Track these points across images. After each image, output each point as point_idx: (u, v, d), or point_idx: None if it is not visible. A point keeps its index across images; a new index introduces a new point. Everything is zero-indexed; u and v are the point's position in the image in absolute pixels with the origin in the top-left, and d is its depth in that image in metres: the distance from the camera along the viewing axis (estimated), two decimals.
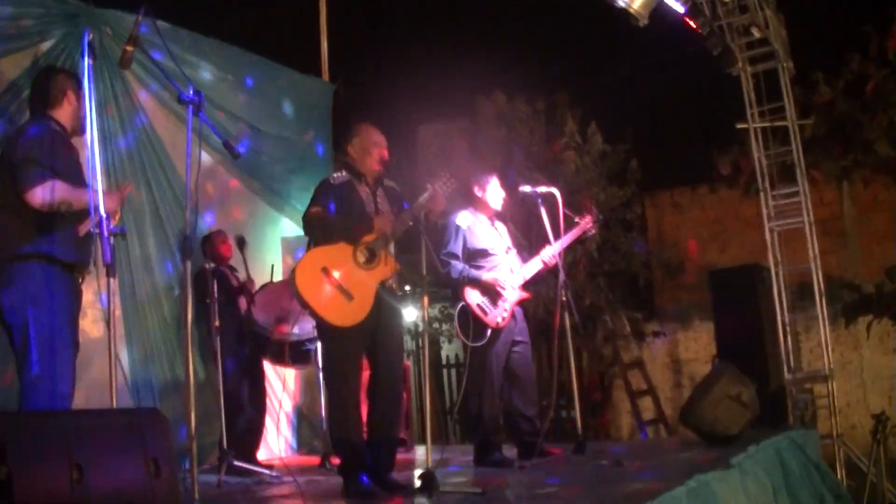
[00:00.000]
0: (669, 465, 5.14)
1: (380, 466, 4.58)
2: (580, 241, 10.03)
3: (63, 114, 4.40)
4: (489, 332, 5.66)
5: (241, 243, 6.46)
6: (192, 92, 3.41)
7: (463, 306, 5.70)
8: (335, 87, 8.59)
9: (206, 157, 7.13)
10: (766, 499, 4.78)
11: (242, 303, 6.49)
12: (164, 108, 6.83)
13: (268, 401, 7.27)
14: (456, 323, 5.71)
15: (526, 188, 6.13)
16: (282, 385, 7.39)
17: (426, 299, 4.15)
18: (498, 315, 5.72)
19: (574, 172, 10.26)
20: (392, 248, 4.63)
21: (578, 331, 5.91)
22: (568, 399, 9.35)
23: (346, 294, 4.40)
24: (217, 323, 5.94)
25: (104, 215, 3.16)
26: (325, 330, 4.67)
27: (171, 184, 6.85)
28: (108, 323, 3.14)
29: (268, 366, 6.79)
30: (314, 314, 4.44)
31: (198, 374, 6.74)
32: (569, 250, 9.64)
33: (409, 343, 13.46)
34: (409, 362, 8.70)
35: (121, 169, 6.48)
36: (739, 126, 7.47)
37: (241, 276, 6.55)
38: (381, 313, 4.58)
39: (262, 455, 7.12)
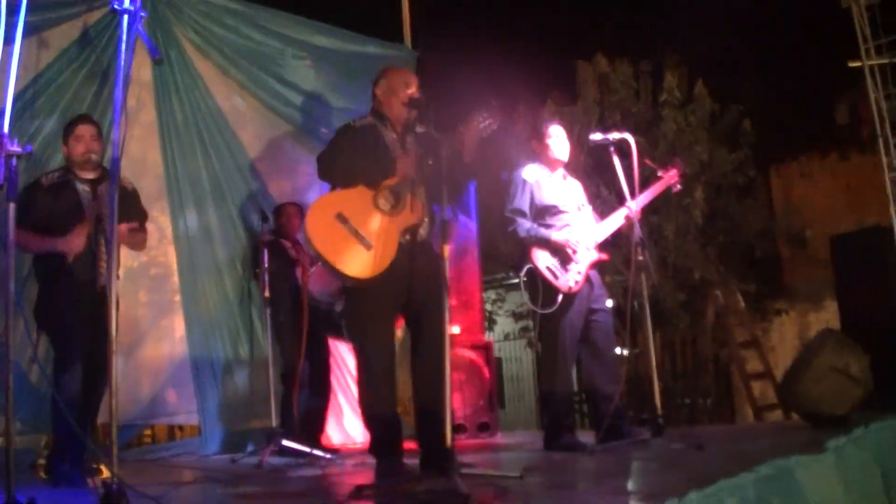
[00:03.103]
0: (758, 449, 4.42)
1: (425, 443, 4.03)
2: (684, 209, 9.37)
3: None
4: (560, 297, 5.07)
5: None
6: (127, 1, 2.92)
7: (530, 269, 5.12)
8: (418, 54, 8.09)
9: (276, 133, 6.88)
10: (874, 489, 4.01)
11: (301, 276, 6.11)
12: (223, 77, 6.57)
13: (340, 381, 6.91)
14: (522, 287, 5.13)
15: (597, 135, 5.47)
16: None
17: (447, 248, 3.58)
18: (570, 279, 5.12)
19: (675, 132, 9.44)
20: (423, 193, 4.09)
21: (659, 297, 5.19)
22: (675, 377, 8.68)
23: (363, 241, 3.91)
24: (267, 294, 5.55)
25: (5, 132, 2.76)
26: (347, 288, 4.20)
27: (232, 154, 6.59)
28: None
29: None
30: (327, 264, 3.94)
31: (262, 349, 6.41)
32: (669, 218, 8.94)
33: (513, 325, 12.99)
34: (491, 339, 8.10)
35: (177, 137, 6.24)
36: (852, 65, 6.56)
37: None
38: (416, 269, 4.05)
39: (336, 439, 6.77)
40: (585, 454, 4.84)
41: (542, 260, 5.15)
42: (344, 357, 7.06)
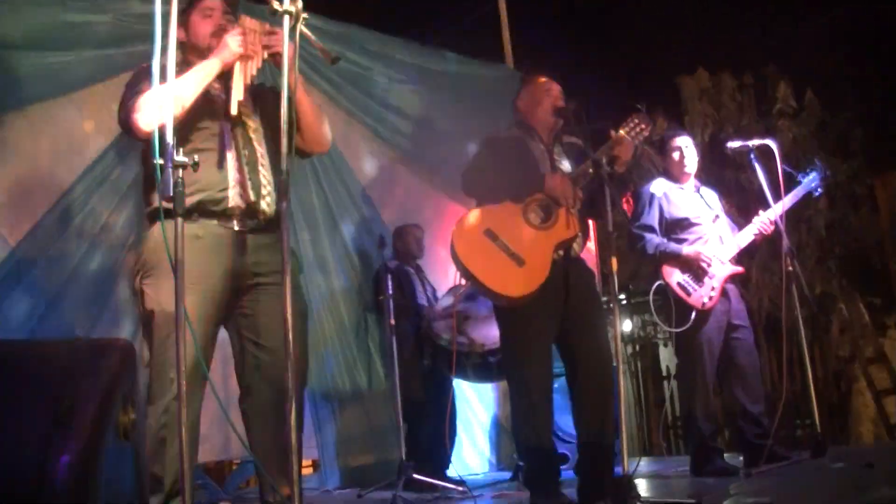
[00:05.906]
0: None
1: (588, 472, 3.80)
2: (806, 220, 9.01)
3: None
4: (693, 314, 4.85)
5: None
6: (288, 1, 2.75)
7: (661, 285, 4.91)
8: (522, 74, 7.92)
9: (385, 160, 6.82)
10: None
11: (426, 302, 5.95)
12: (332, 105, 6.45)
13: (461, 412, 6.70)
14: (652, 306, 4.92)
15: (736, 143, 5.26)
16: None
17: (615, 261, 3.37)
18: (704, 295, 4.89)
19: (791, 142, 9.14)
20: (577, 208, 3.84)
21: (812, 309, 4.88)
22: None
23: (514, 258, 3.68)
24: (392, 321, 5.38)
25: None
26: (498, 310, 3.98)
27: (343, 181, 6.49)
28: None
29: None
30: (477, 283, 3.71)
31: (380, 381, 6.26)
32: (793, 231, 8.58)
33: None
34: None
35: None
36: None
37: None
38: (571, 290, 3.81)
39: (460, 471, 6.54)
40: (739, 479, 4.55)
41: (673, 276, 4.94)
42: (464, 392, 6.87)
